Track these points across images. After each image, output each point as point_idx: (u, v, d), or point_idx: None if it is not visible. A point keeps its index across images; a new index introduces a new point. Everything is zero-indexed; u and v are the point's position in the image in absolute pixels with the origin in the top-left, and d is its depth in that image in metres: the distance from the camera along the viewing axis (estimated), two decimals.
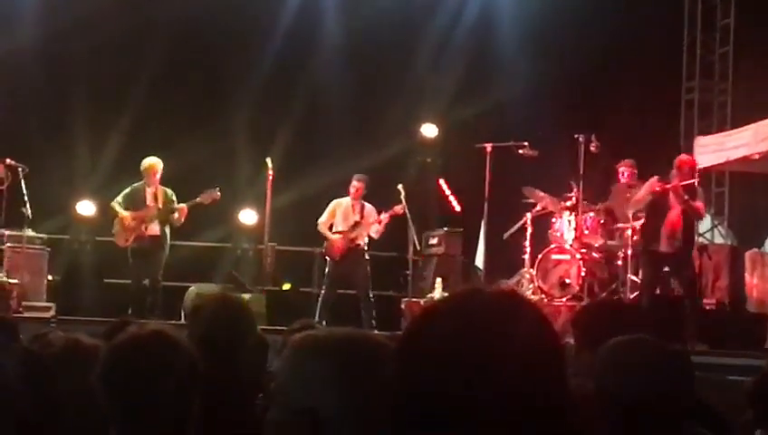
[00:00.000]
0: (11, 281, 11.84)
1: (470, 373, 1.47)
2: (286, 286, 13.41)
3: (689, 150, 13.82)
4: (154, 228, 12.01)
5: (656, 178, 11.03)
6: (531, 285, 12.55)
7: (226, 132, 14.56)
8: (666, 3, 16.09)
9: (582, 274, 12.36)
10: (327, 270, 12.42)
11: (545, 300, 12.17)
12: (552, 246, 12.70)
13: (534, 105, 14.10)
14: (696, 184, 10.97)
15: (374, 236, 12.39)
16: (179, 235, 12.45)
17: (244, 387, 3.69)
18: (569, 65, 14.84)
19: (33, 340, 3.51)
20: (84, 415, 2.85)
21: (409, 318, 11.45)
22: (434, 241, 14.10)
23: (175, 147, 12.73)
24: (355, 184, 12.35)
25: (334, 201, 12.50)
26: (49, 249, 12.74)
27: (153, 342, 2.68)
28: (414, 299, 12.76)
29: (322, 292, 12.31)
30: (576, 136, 12.70)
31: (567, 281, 12.43)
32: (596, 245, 12.69)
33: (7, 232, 12.37)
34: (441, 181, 13.97)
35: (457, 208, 13.82)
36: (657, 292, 11.65)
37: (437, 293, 12.67)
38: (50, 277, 12.66)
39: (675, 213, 10.87)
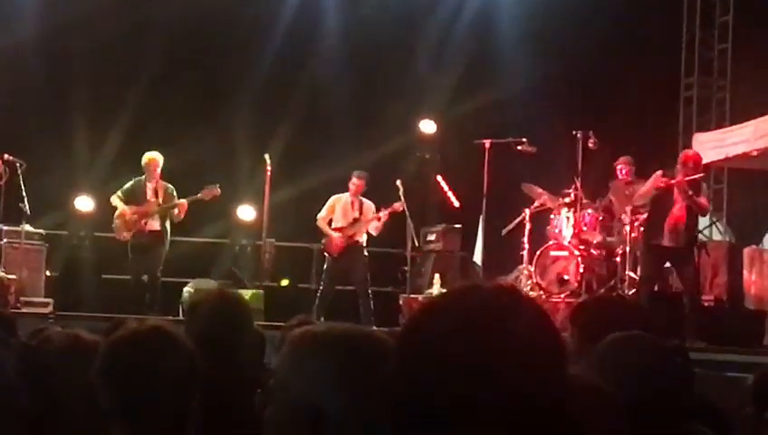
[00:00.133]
0: (9, 276, 11.83)
1: (470, 370, 1.47)
2: (284, 283, 13.40)
3: (688, 147, 13.81)
4: (154, 224, 12.01)
5: (660, 172, 11.01)
6: (529, 282, 12.56)
7: (225, 129, 14.55)
8: None
9: (581, 270, 12.36)
10: (325, 266, 12.42)
11: (543, 296, 12.17)
12: (551, 242, 12.70)
13: (533, 102, 14.11)
14: (700, 179, 10.98)
15: (373, 232, 12.39)
16: (177, 230, 12.45)
17: (243, 382, 3.69)
18: (567, 62, 14.83)
19: (32, 335, 3.52)
20: (84, 411, 2.85)
21: (408, 314, 11.47)
22: (432, 237, 14.10)
23: (173, 143, 12.71)
24: (355, 181, 12.33)
25: (334, 197, 12.49)
26: (47, 245, 12.73)
27: (152, 337, 2.68)
28: (412, 295, 12.77)
29: (321, 288, 12.32)
30: (574, 133, 12.73)
31: (565, 277, 12.43)
32: (594, 241, 12.69)
33: (5, 227, 12.35)
34: (439, 177, 13.97)
35: (456, 205, 13.82)
36: (656, 288, 11.66)
37: (436, 289, 12.68)
38: (48, 273, 12.66)
39: (678, 208, 10.86)
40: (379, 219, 12.30)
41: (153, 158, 12.05)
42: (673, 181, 10.81)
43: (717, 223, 15.44)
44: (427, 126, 14.33)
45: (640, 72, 14.98)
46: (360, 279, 12.23)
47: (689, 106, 16.30)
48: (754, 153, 13.52)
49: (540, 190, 12.93)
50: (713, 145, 14.25)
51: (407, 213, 12.45)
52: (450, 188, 13.87)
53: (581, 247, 12.54)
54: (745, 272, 12.79)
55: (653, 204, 11.14)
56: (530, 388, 1.48)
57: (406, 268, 13.30)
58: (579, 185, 12.63)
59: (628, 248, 12.08)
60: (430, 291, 12.76)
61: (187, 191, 12.10)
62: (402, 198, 12.35)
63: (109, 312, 10.44)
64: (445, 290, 2.24)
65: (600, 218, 12.73)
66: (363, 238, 12.36)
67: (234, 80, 14.85)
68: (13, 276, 11.86)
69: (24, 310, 11.36)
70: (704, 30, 16.09)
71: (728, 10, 15.73)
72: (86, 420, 2.85)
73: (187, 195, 12.05)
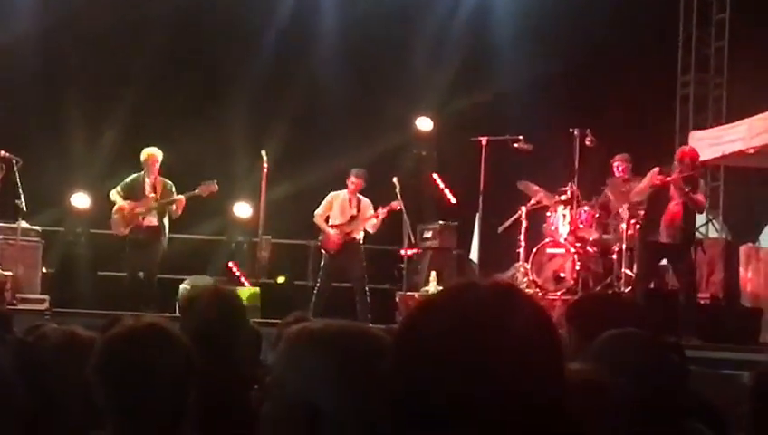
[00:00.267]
0: (5, 273, 11.81)
1: (467, 368, 1.47)
2: (281, 279, 13.39)
3: (684, 145, 13.81)
4: (152, 219, 12.01)
5: (657, 169, 11.01)
6: (525, 279, 12.55)
7: (222, 125, 14.53)
8: None
9: (577, 268, 12.37)
10: (322, 263, 12.42)
11: (539, 294, 12.17)
12: (547, 239, 12.70)
13: (530, 99, 14.10)
14: (696, 176, 10.97)
15: (370, 230, 12.39)
16: (174, 227, 12.44)
17: (239, 379, 3.68)
18: (564, 59, 14.82)
19: (28, 332, 3.51)
20: (80, 407, 2.85)
21: (404, 312, 11.47)
22: (428, 234, 14.08)
23: (170, 140, 12.70)
24: (353, 180, 12.32)
25: (331, 193, 12.48)
26: (43, 241, 12.70)
27: (148, 334, 2.68)
28: (409, 293, 12.77)
29: (318, 285, 12.31)
30: (571, 130, 12.73)
31: (561, 275, 12.44)
32: (591, 239, 12.69)
33: (1, 224, 12.34)
34: (436, 175, 13.96)
35: (452, 202, 13.82)
36: (652, 286, 11.67)
37: (432, 286, 12.68)
38: (44, 270, 12.63)
39: (675, 205, 10.86)
40: (377, 217, 12.30)
41: (152, 153, 12.05)
42: (669, 178, 10.82)
43: (713, 221, 15.44)
44: (424, 123, 14.32)
45: (637, 70, 14.99)
46: (356, 276, 12.23)
47: (686, 104, 16.30)
48: (751, 151, 13.52)
49: (536, 188, 12.93)
50: (709, 143, 14.24)
51: (403, 211, 12.46)
52: (446, 186, 13.87)
53: (578, 245, 12.54)
54: (741, 269, 12.80)
55: (650, 201, 11.15)
56: (527, 386, 1.48)
57: (402, 265, 13.30)
58: (575, 182, 12.63)
59: (624, 246, 12.08)
60: (427, 288, 12.76)
61: (184, 188, 12.09)
62: (399, 195, 12.35)
63: (105, 308, 10.41)
64: (441, 287, 2.24)
65: (597, 216, 12.73)
66: (360, 236, 12.37)
67: (230, 77, 14.83)
68: (9, 273, 11.85)
69: (20, 307, 11.34)
70: (700, 28, 16.10)
71: (725, 8, 15.73)
72: (82, 417, 2.84)
73: (184, 191, 12.05)
